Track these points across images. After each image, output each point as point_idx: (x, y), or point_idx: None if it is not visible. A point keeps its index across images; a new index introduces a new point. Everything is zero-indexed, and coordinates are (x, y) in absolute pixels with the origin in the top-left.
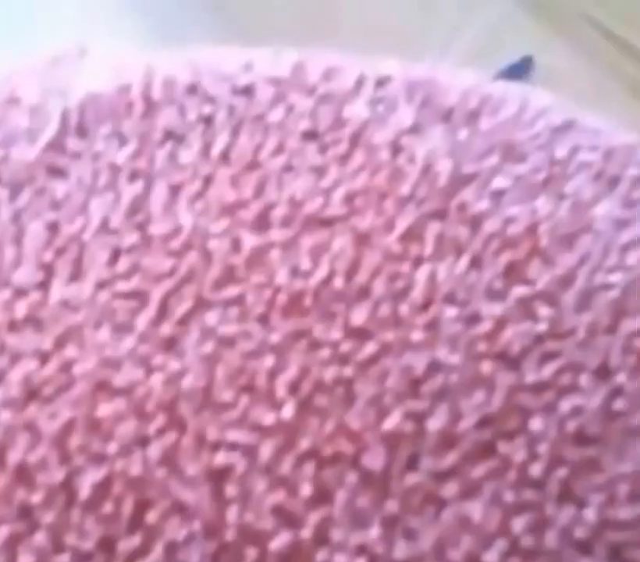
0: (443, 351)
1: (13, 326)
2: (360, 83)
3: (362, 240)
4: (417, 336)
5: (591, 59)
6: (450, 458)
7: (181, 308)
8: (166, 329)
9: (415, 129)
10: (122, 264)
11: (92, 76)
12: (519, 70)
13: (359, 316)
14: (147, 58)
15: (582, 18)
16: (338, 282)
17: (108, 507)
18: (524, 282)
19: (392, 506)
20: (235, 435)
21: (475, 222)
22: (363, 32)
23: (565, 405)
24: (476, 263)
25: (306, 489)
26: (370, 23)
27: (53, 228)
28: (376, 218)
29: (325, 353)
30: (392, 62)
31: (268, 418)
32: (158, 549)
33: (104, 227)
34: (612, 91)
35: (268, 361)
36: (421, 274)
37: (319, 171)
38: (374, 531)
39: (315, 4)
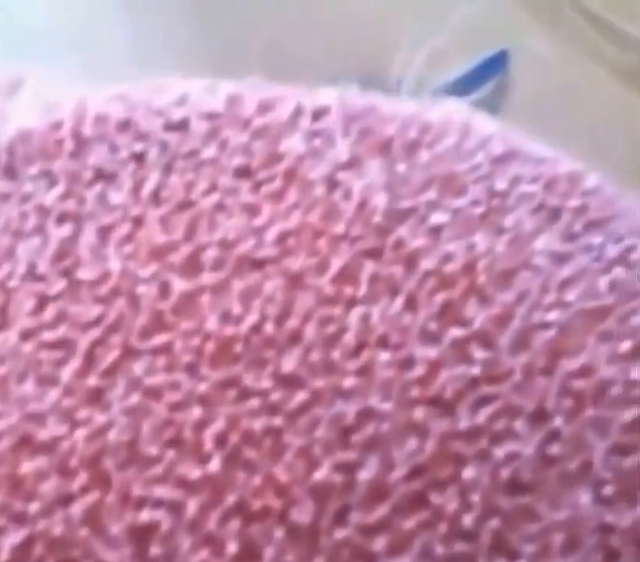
0: (375, 398)
1: None
2: (296, 115)
3: (294, 281)
4: (348, 382)
5: (573, 43)
6: (380, 511)
7: (108, 358)
8: (92, 380)
9: (352, 164)
10: (49, 312)
11: (25, 110)
12: (495, 65)
13: (289, 363)
14: (81, 91)
15: (564, 2)
16: (269, 328)
17: None
18: (459, 323)
19: None
20: (160, 492)
21: (411, 261)
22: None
23: (499, 452)
24: (411, 304)
25: (232, 547)
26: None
27: None
28: (309, 259)
29: (254, 403)
30: (330, 91)
31: (195, 473)
32: None
33: (31, 273)
34: (595, 75)
35: (196, 412)
36: (354, 317)
37: (252, 210)
38: None
39: None
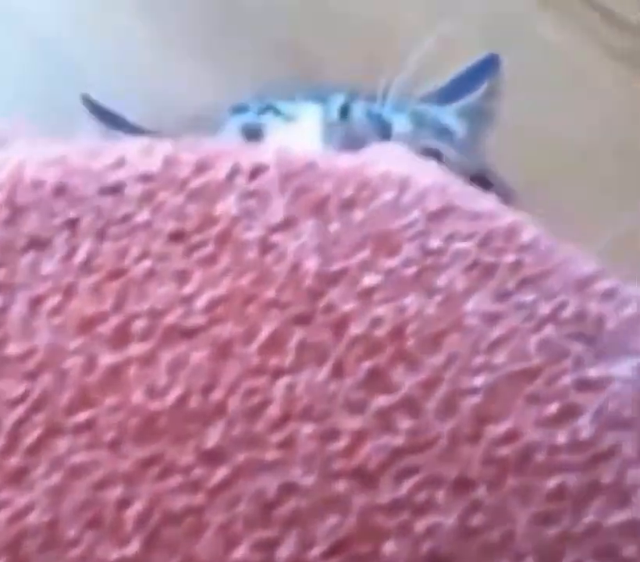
0: (297, 471)
1: None
2: (233, 175)
3: (222, 351)
4: (271, 456)
5: (574, 28)
6: None
7: (31, 436)
8: (15, 459)
9: (286, 225)
10: None
11: None
12: (486, 69)
13: (213, 437)
14: (19, 154)
15: None
16: (194, 401)
17: None
18: (386, 390)
19: None
20: None
21: (340, 326)
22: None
23: (420, 525)
24: (338, 371)
25: None
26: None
27: None
28: (238, 327)
29: (176, 480)
30: (270, 147)
31: (113, 555)
32: None
33: None
34: (595, 60)
35: (117, 491)
36: (280, 387)
37: (183, 276)
38: None
39: None
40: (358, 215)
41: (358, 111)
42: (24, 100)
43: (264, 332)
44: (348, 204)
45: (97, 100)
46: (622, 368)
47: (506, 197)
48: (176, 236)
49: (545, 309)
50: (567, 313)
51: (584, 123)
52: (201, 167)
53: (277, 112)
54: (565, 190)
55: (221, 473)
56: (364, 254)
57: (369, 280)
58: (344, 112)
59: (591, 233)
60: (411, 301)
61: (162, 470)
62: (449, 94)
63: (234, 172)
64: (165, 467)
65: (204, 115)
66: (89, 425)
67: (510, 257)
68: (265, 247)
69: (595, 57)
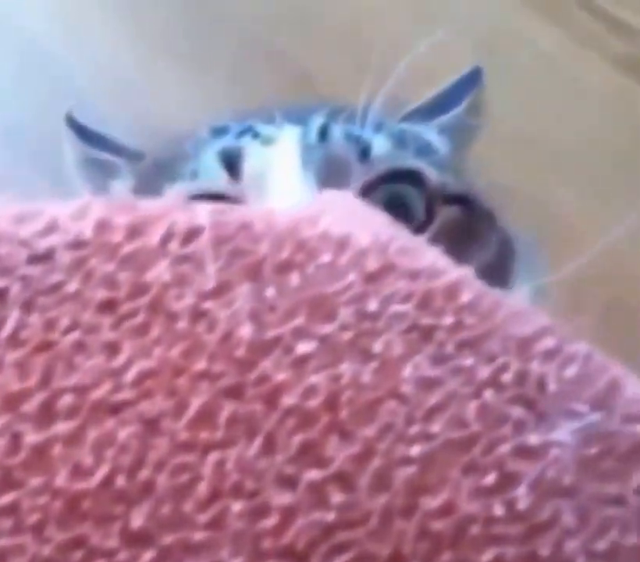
0: (226, 552)
1: None
2: (166, 239)
3: (150, 427)
4: (199, 536)
5: (573, 33)
6: None
7: None
8: None
9: (219, 291)
10: None
11: None
12: (469, 83)
13: (138, 519)
14: None
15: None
16: (120, 480)
17: None
18: (318, 465)
19: None
20: None
21: (272, 397)
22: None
23: None
24: (269, 445)
25: None
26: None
27: None
28: (167, 401)
29: None
30: (205, 208)
31: None
32: None
33: None
34: (595, 65)
35: None
36: (209, 463)
37: (112, 348)
38: None
39: None
40: (294, 278)
41: (337, 132)
42: (10, 111)
43: (194, 406)
44: (284, 267)
45: (80, 120)
46: (563, 433)
47: (489, 215)
48: (107, 306)
49: (484, 373)
50: (508, 376)
51: (576, 127)
52: (134, 231)
53: (255, 135)
54: (557, 193)
55: (147, 556)
56: (299, 320)
57: (303, 348)
58: (323, 133)
59: (581, 237)
60: (346, 369)
61: (85, 554)
62: (432, 110)
63: (168, 236)
64: (89, 551)
65: (187, 134)
66: (12, 508)
67: (448, 319)
68: (197, 315)
69: (588, 60)
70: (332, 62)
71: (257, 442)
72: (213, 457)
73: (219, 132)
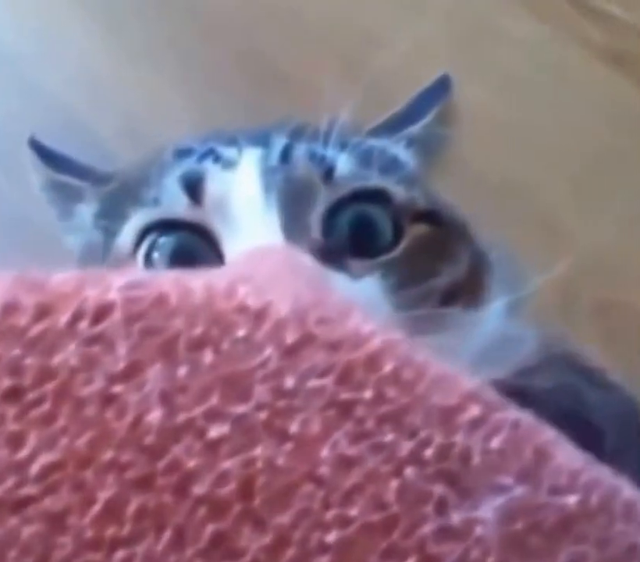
0: None
1: None
2: (75, 319)
3: (55, 524)
4: None
5: (556, 26)
6: None
7: None
8: None
9: (129, 373)
10: None
11: None
12: (438, 91)
13: None
14: None
15: None
16: None
17: None
18: (230, 557)
19: None
20: None
21: (183, 487)
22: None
23: None
24: (179, 538)
25: None
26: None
27: None
28: (72, 496)
29: None
30: (119, 281)
31: None
32: None
33: None
34: (579, 58)
35: None
36: (116, 561)
37: (17, 439)
38: None
39: None
40: (208, 356)
41: (300, 153)
42: None
43: (101, 500)
44: (198, 344)
45: (43, 143)
46: (487, 509)
47: (460, 230)
48: (12, 394)
49: (405, 449)
50: (430, 451)
51: (561, 120)
52: (42, 312)
53: (216, 158)
54: (543, 187)
55: None
56: (212, 401)
57: (216, 431)
58: (285, 155)
59: (567, 236)
60: (261, 452)
61: None
62: (399, 122)
63: (77, 315)
64: None
65: (151, 158)
66: None
67: (369, 393)
68: (106, 400)
69: (572, 53)
70: (310, 61)
71: (167, 535)
72: (120, 554)
73: (183, 154)
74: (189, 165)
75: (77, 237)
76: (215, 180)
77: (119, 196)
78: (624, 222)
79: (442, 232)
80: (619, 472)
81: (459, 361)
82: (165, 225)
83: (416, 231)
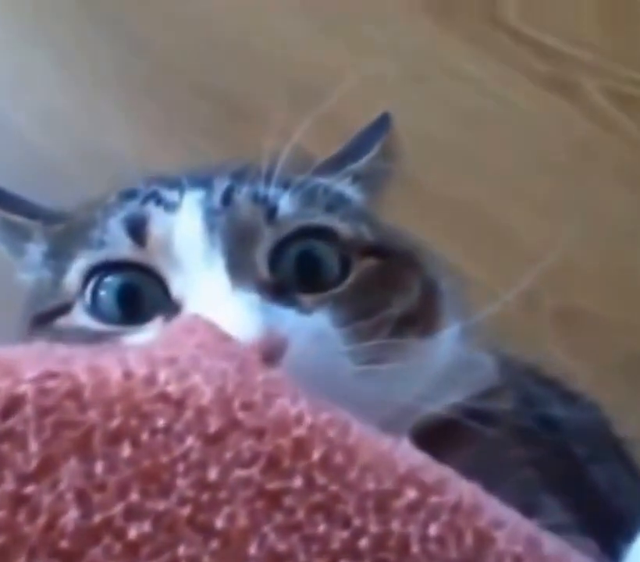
0: None
1: None
2: None
3: None
4: None
5: (497, 57)
6: None
7: None
8: None
9: (42, 471)
10: None
11: None
12: (379, 129)
13: None
14: None
15: (486, 19)
16: None
17: None
18: None
19: None
20: None
21: None
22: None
23: None
24: None
25: None
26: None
27: None
28: None
29: None
30: (31, 373)
31: None
32: None
33: None
34: (522, 86)
35: None
36: None
37: None
38: None
39: None
40: (126, 449)
41: (243, 194)
42: None
43: None
44: (115, 437)
45: None
46: None
47: (409, 260)
48: None
49: (339, 540)
50: (365, 541)
51: (511, 147)
52: None
53: (159, 200)
54: (502, 211)
55: None
56: (131, 498)
57: (136, 531)
58: (227, 197)
59: (530, 250)
60: (184, 551)
61: None
62: (343, 159)
63: None
64: None
65: (98, 199)
66: None
67: (298, 481)
68: (18, 502)
69: (514, 82)
70: (260, 92)
71: None
72: None
73: (127, 196)
74: (133, 207)
75: (28, 275)
76: (158, 222)
77: (68, 236)
78: (581, 240)
79: (391, 263)
80: (597, 479)
81: (418, 390)
82: (111, 265)
83: (364, 265)
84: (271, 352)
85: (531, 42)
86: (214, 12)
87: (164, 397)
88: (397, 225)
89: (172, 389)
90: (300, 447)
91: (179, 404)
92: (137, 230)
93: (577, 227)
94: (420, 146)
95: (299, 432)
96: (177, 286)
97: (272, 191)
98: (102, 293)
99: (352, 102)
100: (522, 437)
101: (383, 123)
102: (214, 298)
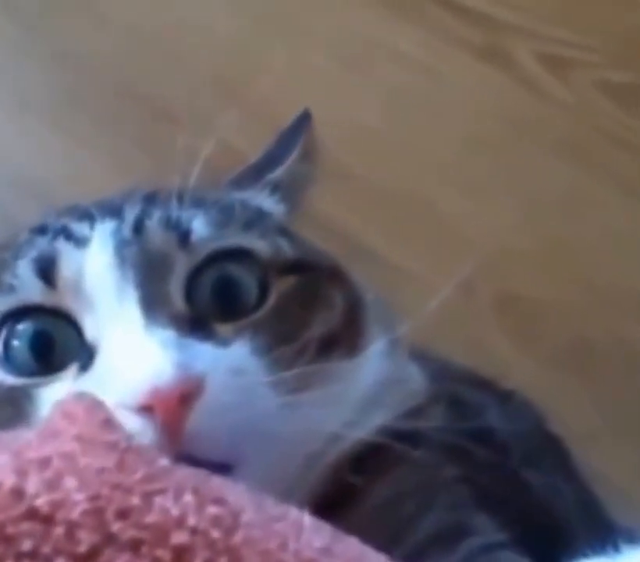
0: None
1: None
2: None
3: None
4: None
5: (431, 31)
6: None
7: None
8: None
9: None
10: None
11: None
12: (298, 129)
13: None
14: None
15: None
16: None
17: None
18: None
19: None
20: None
21: None
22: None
23: None
24: None
25: None
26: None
27: None
28: None
29: None
30: None
31: None
32: None
33: None
34: (456, 59)
35: None
36: None
37: None
38: None
39: None
40: None
41: (154, 221)
42: None
43: None
44: None
45: None
46: None
47: (331, 275)
48: None
49: None
50: None
51: (447, 123)
52: None
53: (69, 236)
54: (438, 193)
55: None
56: None
57: None
58: (138, 225)
59: (468, 236)
60: None
61: None
62: (262, 169)
63: None
64: None
65: (7, 241)
66: None
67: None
68: None
69: (450, 56)
70: (196, 101)
71: None
72: None
73: (37, 233)
74: (42, 245)
75: None
76: (68, 260)
77: None
78: (518, 223)
79: (312, 278)
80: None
81: (343, 416)
82: (23, 311)
83: (284, 284)
84: (187, 393)
85: (464, 11)
86: (136, 11)
87: (32, 514)
88: (328, 216)
89: (42, 502)
90: (180, 558)
91: (48, 520)
92: (47, 271)
93: (515, 210)
94: (350, 134)
95: (179, 538)
96: (91, 329)
97: (184, 213)
98: (15, 342)
99: (282, 95)
100: (453, 454)
101: (302, 122)
102: (126, 339)
